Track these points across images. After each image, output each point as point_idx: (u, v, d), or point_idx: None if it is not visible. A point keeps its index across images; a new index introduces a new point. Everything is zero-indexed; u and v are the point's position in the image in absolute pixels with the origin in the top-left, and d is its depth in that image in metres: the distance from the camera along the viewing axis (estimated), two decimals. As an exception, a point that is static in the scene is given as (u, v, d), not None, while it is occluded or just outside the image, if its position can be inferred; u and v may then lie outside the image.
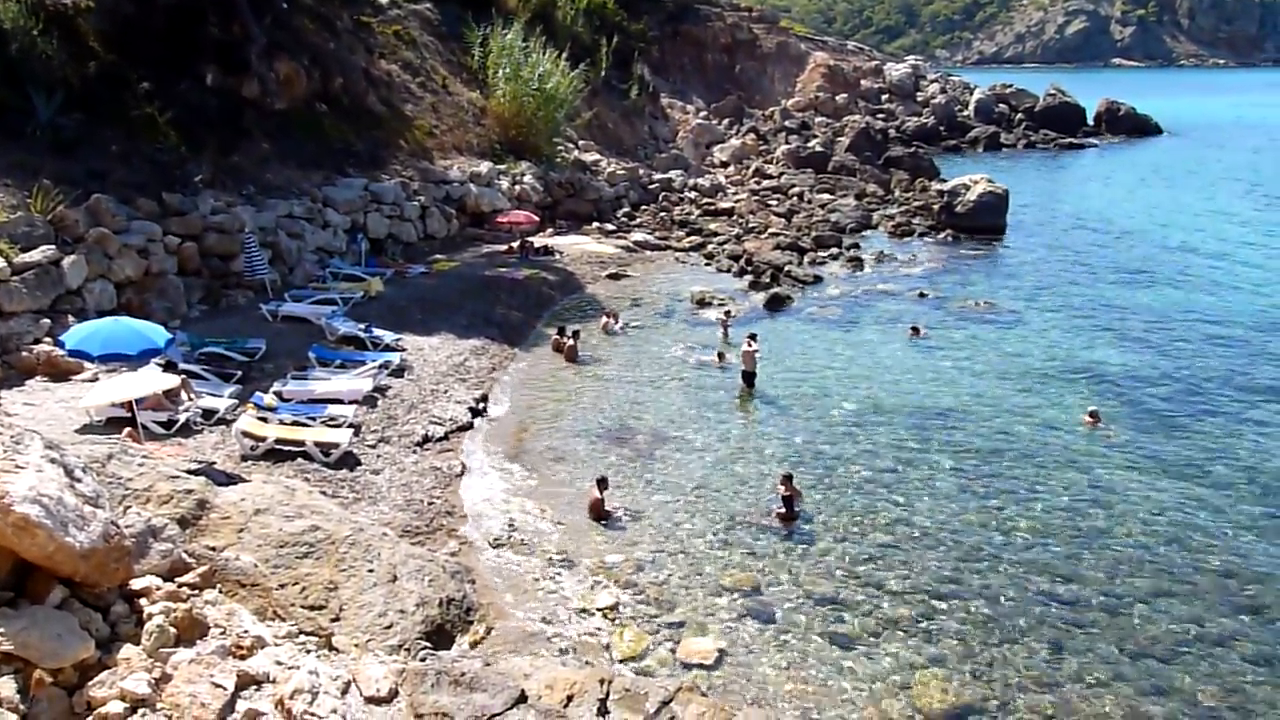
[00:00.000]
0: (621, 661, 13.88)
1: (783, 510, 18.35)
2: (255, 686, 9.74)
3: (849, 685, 13.71)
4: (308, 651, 11.08)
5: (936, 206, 49.11)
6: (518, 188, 44.53)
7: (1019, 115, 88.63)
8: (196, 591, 10.97)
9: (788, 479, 18.77)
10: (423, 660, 11.50)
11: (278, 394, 21.86)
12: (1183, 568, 16.76)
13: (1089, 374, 26.83)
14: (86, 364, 21.09)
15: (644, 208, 49.89)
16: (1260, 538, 17.82)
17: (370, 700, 10.32)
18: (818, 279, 37.73)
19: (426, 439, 21.34)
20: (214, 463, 18.07)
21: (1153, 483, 20.10)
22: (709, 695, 12.65)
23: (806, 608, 15.54)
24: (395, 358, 25.19)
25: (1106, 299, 34.80)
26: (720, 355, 27.82)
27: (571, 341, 28.14)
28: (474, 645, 13.68)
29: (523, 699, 10.39)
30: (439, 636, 13.33)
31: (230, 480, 16.02)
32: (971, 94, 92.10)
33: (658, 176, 53.81)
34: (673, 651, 14.26)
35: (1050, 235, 46.32)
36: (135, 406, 18.24)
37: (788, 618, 15.25)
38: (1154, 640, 14.74)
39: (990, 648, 14.58)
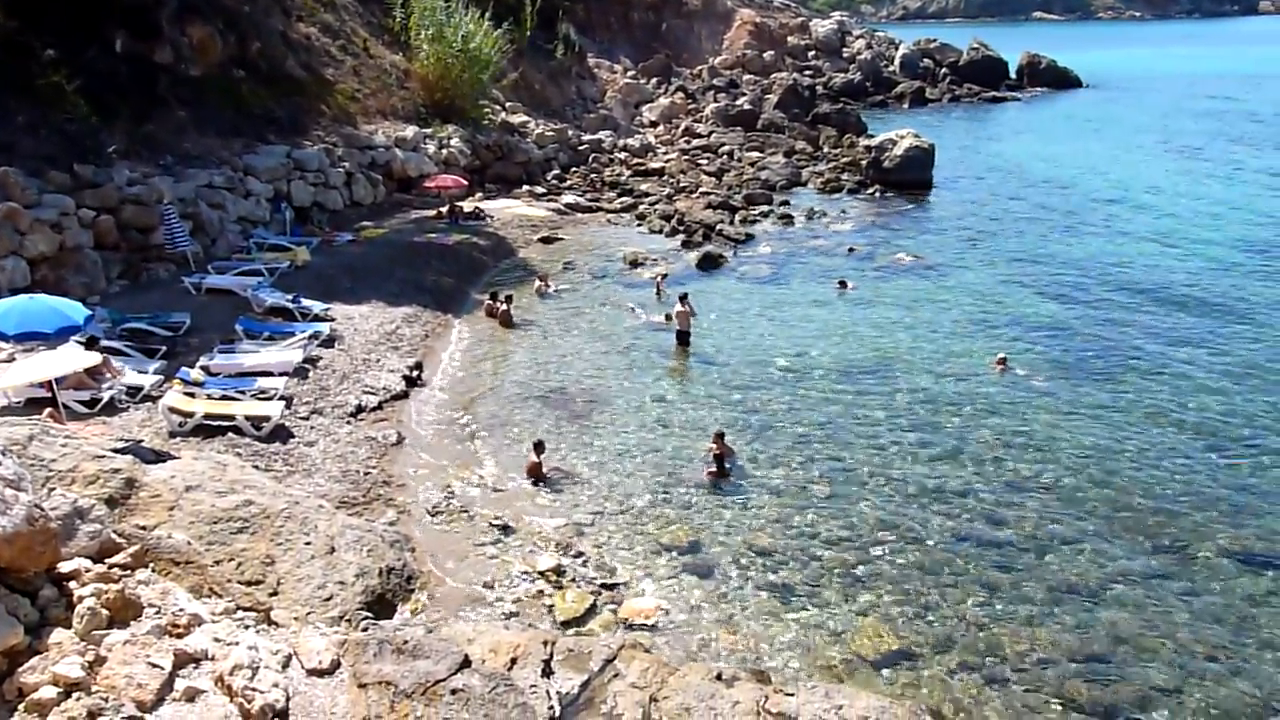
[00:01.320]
0: (564, 623, 13.97)
1: (714, 469, 18.53)
2: (194, 664, 9.62)
3: (788, 635, 13.97)
4: (246, 627, 10.96)
5: (864, 162, 49.60)
6: (445, 151, 43.91)
7: (943, 70, 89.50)
8: (128, 572, 10.76)
9: (719, 437, 18.95)
10: (364, 630, 11.46)
11: (205, 368, 21.43)
12: (1105, 508, 17.33)
13: (1014, 324, 27.46)
14: (2, 344, 20.41)
15: (574, 169, 49.59)
16: (1177, 478, 18.46)
17: (312, 672, 10.27)
18: (749, 237, 37.92)
19: (360, 409, 21.10)
20: (141, 440, 17.68)
21: (1077, 427, 20.68)
22: (652, 652, 12.83)
23: (744, 561, 15.77)
24: (325, 328, 24.81)
25: (1030, 250, 35.52)
26: (667, 317, 27.66)
27: (505, 306, 27.96)
28: (416, 613, 13.66)
29: (466, 664, 10.41)
30: (380, 606, 13.28)
31: (159, 458, 15.70)
32: (897, 49, 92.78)
33: (587, 137, 53.45)
34: (615, 611, 14.39)
35: (975, 188, 47.06)
36: (55, 386, 17.74)
37: (726, 572, 15.48)
38: (1079, 579, 15.24)
39: (924, 592, 14.95)
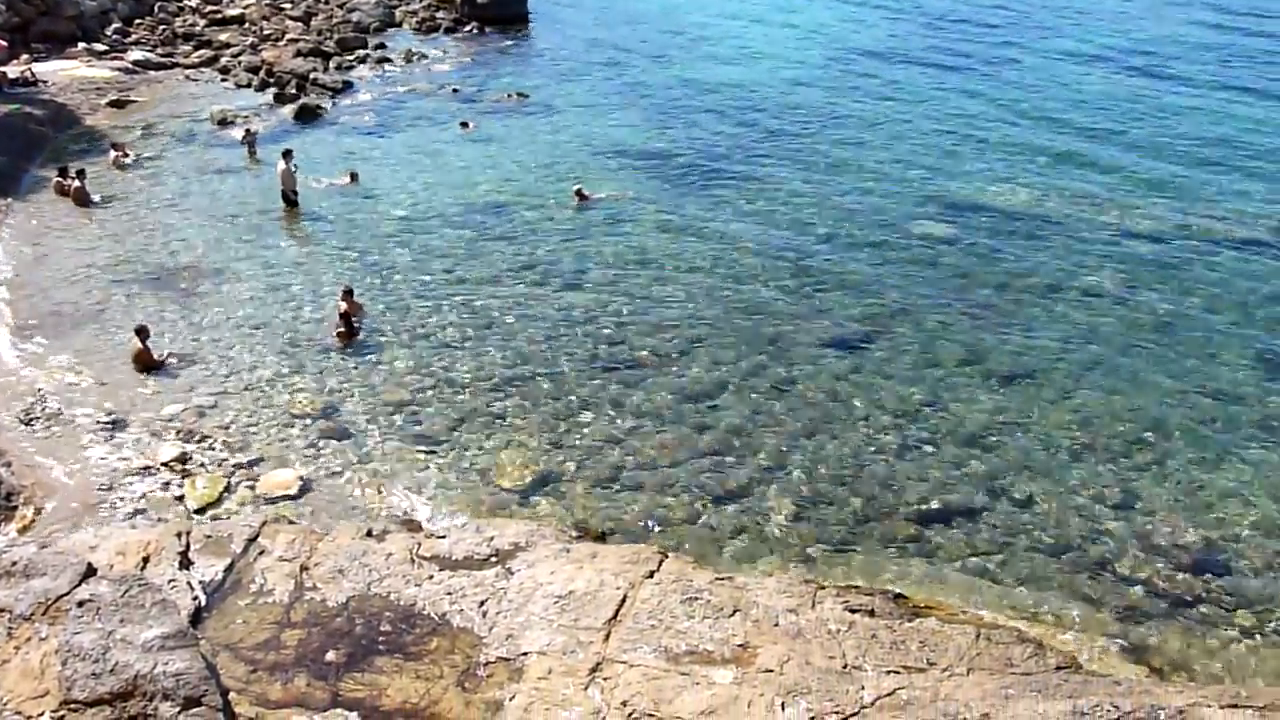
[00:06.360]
0: (199, 511, 13.33)
1: (343, 329, 18.04)
2: None
3: (436, 480, 14.26)
4: None
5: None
6: (-29, 8, 37.53)
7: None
8: None
9: (348, 294, 18.46)
10: (-39, 561, 10.29)
11: None
12: (713, 316, 18.91)
13: (616, 152, 28.47)
14: None
15: (138, 21, 44.20)
16: (771, 281, 20.43)
17: (-99, 620, 9.15)
18: (347, 85, 36.04)
19: (-87, 318, 18.31)
20: None
21: (684, 244, 22.15)
22: (297, 523, 12.62)
23: (383, 417, 15.72)
24: None
25: (628, 80, 36.59)
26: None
27: (77, 182, 24.89)
28: (24, 531, 12.46)
29: (91, 572, 9.70)
30: (-22, 531, 11.97)
31: None
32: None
33: (148, -16, 47.62)
34: (253, 489, 13.91)
35: (570, 19, 47.40)
36: None
37: (366, 431, 15.38)
38: (697, 384, 16.65)
39: (560, 419, 15.73)
